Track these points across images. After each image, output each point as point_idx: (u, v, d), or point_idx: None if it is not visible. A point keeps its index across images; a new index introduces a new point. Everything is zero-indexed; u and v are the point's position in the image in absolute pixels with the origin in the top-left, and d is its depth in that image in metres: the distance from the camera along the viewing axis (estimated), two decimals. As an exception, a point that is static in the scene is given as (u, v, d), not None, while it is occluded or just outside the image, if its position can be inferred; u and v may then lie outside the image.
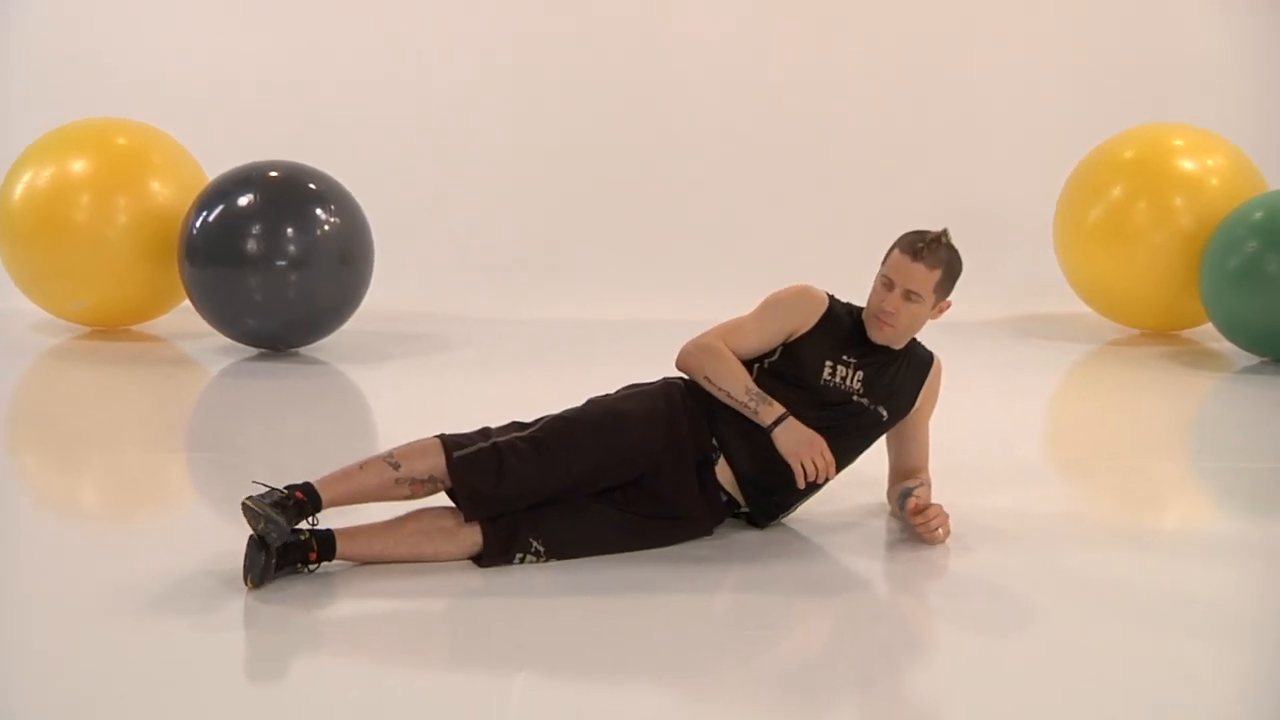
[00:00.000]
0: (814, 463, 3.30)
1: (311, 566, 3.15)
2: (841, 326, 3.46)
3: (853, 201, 7.56)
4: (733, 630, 3.00)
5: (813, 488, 3.41)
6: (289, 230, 5.52)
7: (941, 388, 3.60)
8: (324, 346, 5.87)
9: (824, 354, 3.42)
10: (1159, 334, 6.36)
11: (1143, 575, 3.32)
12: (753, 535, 3.46)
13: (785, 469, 3.32)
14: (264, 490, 3.13)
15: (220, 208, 5.56)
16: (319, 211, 5.60)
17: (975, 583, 3.25)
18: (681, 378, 3.46)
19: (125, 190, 5.92)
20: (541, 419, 3.34)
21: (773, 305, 3.47)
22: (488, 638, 2.92)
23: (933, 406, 3.60)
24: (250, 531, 3.07)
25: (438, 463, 3.22)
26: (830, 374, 3.41)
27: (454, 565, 3.21)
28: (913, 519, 3.42)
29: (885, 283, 3.40)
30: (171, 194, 5.96)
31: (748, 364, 3.44)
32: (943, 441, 3.68)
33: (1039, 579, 3.26)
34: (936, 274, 3.39)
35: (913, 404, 3.53)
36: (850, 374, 3.42)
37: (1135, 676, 2.80)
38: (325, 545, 3.16)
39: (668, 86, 7.69)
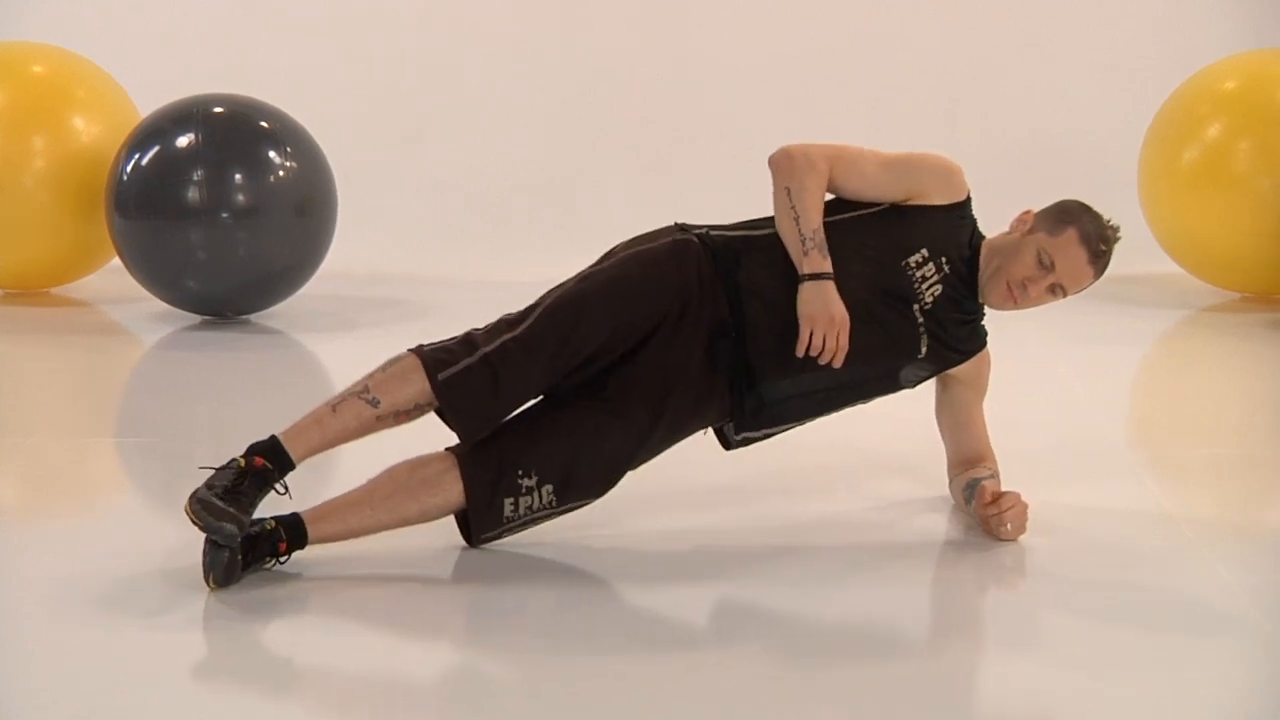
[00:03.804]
0: (824, 338, 3.25)
1: (283, 559, 3.14)
2: (960, 231, 3.42)
3: (903, 139, 7.48)
4: (762, 654, 2.98)
5: (797, 408, 3.35)
6: (237, 176, 5.50)
7: (992, 366, 3.60)
8: (279, 313, 5.86)
9: (927, 238, 3.38)
10: (1264, 299, 6.33)
11: (1252, 592, 3.26)
12: (785, 535, 3.45)
13: (790, 349, 3.26)
14: (211, 472, 3.10)
15: (155, 149, 5.54)
16: (272, 154, 5.58)
17: (1049, 593, 3.23)
18: (698, 234, 3.39)
19: (43, 128, 5.91)
20: (532, 308, 3.30)
21: (911, 163, 3.41)
22: (474, 673, 2.92)
23: (982, 390, 3.60)
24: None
25: (423, 388, 3.19)
26: (918, 263, 3.37)
27: (441, 575, 3.19)
28: (984, 510, 3.41)
29: (1043, 262, 3.35)
30: (98, 133, 5.94)
31: (835, 205, 3.40)
32: (1009, 426, 3.66)
33: (1126, 590, 3.23)
34: (1095, 278, 3.42)
35: (954, 364, 3.50)
36: (932, 279, 3.38)
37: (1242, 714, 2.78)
38: (294, 533, 3.14)
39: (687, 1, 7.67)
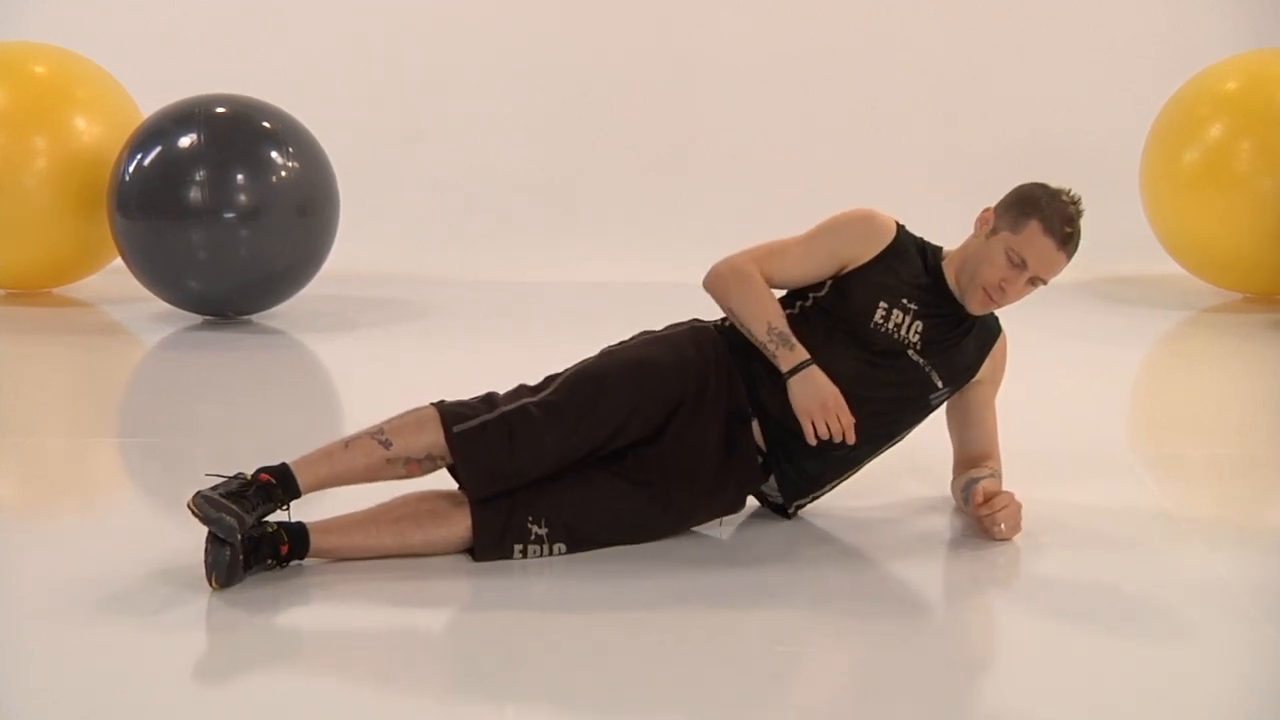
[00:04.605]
0: (826, 424, 3.28)
1: (284, 564, 3.14)
2: (907, 265, 3.43)
3: (903, 140, 7.53)
4: (760, 650, 2.98)
5: (843, 464, 3.41)
6: (239, 176, 5.50)
7: (1007, 363, 3.60)
8: (280, 313, 5.85)
9: (879, 294, 3.39)
10: (1265, 299, 6.32)
11: (1253, 592, 3.25)
12: (783, 535, 3.45)
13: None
14: (218, 480, 3.12)
15: (157, 150, 5.54)
16: (274, 154, 5.58)
17: (1048, 592, 3.23)
18: (714, 322, 3.47)
19: (44, 129, 5.91)
20: (552, 378, 3.34)
21: (828, 230, 3.44)
22: (476, 659, 2.92)
23: (998, 384, 3.60)
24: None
25: (436, 439, 3.21)
26: (883, 318, 3.38)
27: (442, 570, 3.20)
28: (977, 511, 3.40)
29: (1014, 261, 3.33)
30: (100, 133, 5.94)
31: (790, 297, 3.43)
32: (1009, 426, 3.66)
33: (1126, 589, 3.24)
34: (1069, 259, 3.38)
35: (972, 375, 3.51)
36: (907, 322, 3.39)
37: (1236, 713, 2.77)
38: (297, 540, 3.15)
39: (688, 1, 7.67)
